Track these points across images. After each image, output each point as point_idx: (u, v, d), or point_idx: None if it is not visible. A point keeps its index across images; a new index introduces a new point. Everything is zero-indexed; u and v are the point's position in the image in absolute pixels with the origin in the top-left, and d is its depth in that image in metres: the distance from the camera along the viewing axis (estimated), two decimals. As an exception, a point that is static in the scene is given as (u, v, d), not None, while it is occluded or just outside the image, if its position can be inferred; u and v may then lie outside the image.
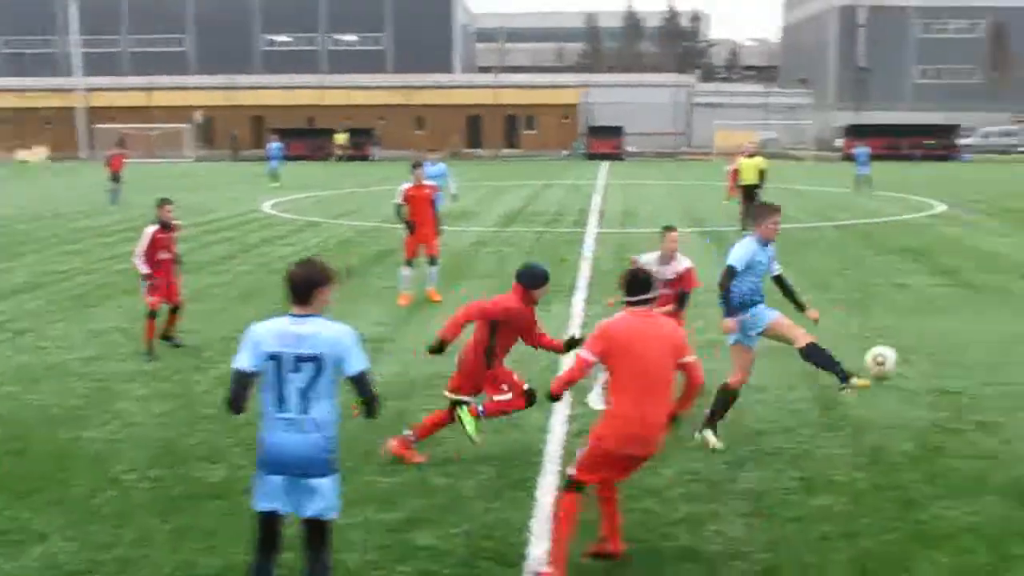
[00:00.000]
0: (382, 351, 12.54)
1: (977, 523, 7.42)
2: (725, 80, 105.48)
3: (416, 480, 8.31)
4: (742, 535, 7.26)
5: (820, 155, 70.67)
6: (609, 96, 79.42)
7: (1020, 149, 74.20)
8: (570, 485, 6.64)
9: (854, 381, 8.91)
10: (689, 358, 6.84)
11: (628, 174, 52.41)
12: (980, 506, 7.75)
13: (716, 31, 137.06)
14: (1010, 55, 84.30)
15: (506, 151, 76.19)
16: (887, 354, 9.06)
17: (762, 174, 26.15)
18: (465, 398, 8.68)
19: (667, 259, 10.53)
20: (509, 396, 8.70)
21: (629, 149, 71.65)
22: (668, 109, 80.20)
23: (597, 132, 72.07)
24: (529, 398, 8.76)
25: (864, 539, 7.18)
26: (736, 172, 26.57)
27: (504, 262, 20.58)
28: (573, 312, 15.35)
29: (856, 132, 67.40)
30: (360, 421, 6.28)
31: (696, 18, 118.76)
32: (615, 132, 70.67)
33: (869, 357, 9.11)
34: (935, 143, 68.52)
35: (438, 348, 8.62)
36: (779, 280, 9.52)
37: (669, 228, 10.78)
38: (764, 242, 9.14)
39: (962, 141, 71.22)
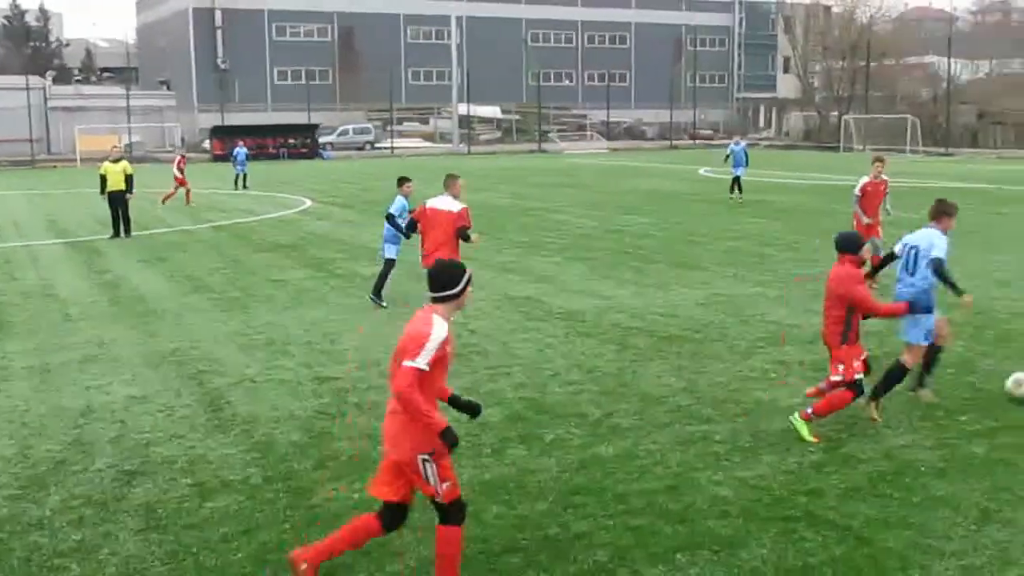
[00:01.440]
0: None
1: (364, 499, 7.86)
2: (83, 82, 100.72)
3: None
4: (138, 552, 7.00)
5: (189, 157, 70.34)
6: (-49, 102, 72.33)
7: (377, 145, 79.89)
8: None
9: None
10: (406, 363, 5.91)
11: (-19, 185, 48.21)
12: (365, 482, 8.21)
13: (68, 31, 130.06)
14: (358, 56, 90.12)
15: None
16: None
17: (129, 179, 25.50)
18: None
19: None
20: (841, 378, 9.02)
21: (-20, 158, 65.95)
22: (22, 114, 74.82)
23: (-61, 141, 65.35)
24: (857, 389, 9.07)
25: (262, 532, 7.29)
26: (104, 178, 25.56)
27: None
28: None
29: (222, 133, 68.17)
30: None
31: (45, 16, 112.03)
32: (-39, 140, 64.62)
33: (1011, 383, 9.93)
34: (298, 142, 71.56)
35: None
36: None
37: (455, 176, 13.04)
38: None
39: (323, 139, 75.16)
